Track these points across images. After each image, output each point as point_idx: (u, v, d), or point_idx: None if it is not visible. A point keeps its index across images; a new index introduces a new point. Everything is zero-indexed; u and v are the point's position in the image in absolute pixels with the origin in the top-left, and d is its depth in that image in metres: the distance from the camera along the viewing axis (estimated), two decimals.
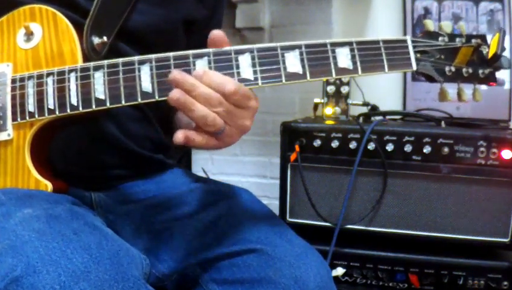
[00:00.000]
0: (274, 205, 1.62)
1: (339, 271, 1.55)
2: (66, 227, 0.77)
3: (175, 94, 0.81)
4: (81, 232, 0.77)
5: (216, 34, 0.85)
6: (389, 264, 1.53)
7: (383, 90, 2.11)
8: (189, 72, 0.83)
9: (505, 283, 1.46)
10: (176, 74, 0.81)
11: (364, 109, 1.84)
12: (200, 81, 0.81)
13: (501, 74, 1.93)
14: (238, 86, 0.82)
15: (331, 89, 1.76)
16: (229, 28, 2.29)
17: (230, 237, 0.97)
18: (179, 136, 0.82)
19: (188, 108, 0.81)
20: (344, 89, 1.75)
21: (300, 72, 0.86)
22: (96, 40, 0.94)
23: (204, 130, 0.83)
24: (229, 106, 0.82)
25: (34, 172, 0.91)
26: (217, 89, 0.81)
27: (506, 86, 2.01)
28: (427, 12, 2.13)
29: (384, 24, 2.20)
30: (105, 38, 0.95)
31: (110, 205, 1.05)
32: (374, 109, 1.84)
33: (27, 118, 0.90)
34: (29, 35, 0.93)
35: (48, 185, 0.91)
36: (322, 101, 1.77)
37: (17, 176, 0.91)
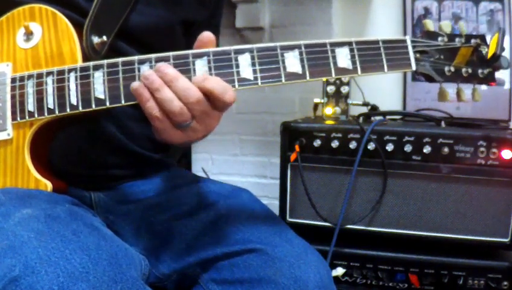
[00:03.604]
0: (274, 205, 1.62)
1: (339, 271, 1.55)
2: (65, 228, 0.77)
3: (147, 71, 0.81)
4: (80, 233, 0.77)
5: (206, 35, 0.85)
6: (389, 264, 1.53)
7: (383, 90, 2.11)
8: (188, 71, 0.83)
9: (505, 283, 1.46)
10: (161, 64, 0.81)
11: (364, 109, 1.84)
12: (199, 86, 0.81)
13: (501, 74, 1.94)
14: (234, 95, 0.82)
15: (331, 89, 1.76)
16: (229, 28, 2.29)
17: (230, 237, 0.97)
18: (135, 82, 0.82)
19: (155, 88, 0.80)
20: (344, 89, 1.75)
21: (300, 72, 0.86)
22: (95, 39, 0.94)
23: (170, 120, 0.82)
24: (208, 107, 0.82)
25: (34, 171, 0.91)
26: (220, 95, 0.81)
27: (506, 86, 2.01)
28: (427, 12, 2.12)
29: (384, 24, 2.20)
30: (104, 38, 0.95)
31: (109, 205, 1.05)
32: (374, 109, 1.84)
33: (27, 117, 0.90)
34: (28, 34, 0.93)
35: (47, 185, 0.91)
36: (322, 101, 1.77)
37: (16, 176, 0.91)
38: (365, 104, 1.84)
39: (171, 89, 0.80)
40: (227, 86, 0.82)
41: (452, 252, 1.51)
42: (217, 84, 0.81)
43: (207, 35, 0.85)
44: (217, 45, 0.88)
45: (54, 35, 0.92)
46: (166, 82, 0.80)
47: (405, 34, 2.14)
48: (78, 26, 0.93)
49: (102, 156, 1.02)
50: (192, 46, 0.87)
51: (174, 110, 0.80)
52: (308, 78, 0.86)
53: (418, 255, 1.52)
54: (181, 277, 1.00)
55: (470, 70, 0.92)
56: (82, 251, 0.73)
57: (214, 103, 0.82)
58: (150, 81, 0.80)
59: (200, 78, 0.81)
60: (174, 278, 1.01)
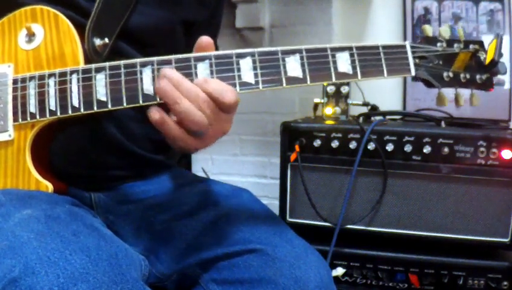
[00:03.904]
0: (274, 205, 1.62)
1: (339, 271, 1.55)
2: (65, 228, 0.77)
3: (162, 83, 0.80)
4: (80, 234, 0.77)
5: (204, 40, 0.85)
6: (389, 264, 1.53)
7: (383, 90, 2.11)
8: (190, 75, 0.84)
9: (505, 283, 1.46)
10: (166, 69, 0.81)
11: (364, 109, 1.84)
12: (201, 88, 0.81)
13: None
14: (237, 97, 0.82)
15: (331, 89, 1.76)
16: (229, 28, 2.29)
17: (230, 237, 0.97)
18: (155, 112, 0.80)
19: (174, 100, 0.79)
20: (344, 89, 1.75)
21: (301, 76, 0.86)
22: (97, 41, 0.94)
23: (186, 129, 0.82)
24: (215, 109, 0.82)
25: (35, 173, 0.91)
26: (218, 97, 0.81)
27: (506, 86, 2.01)
28: (427, 12, 2.12)
29: (384, 24, 2.20)
30: (106, 40, 0.95)
31: (110, 205, 1.05)
32: (374, 109, 1.84)
33: (28, 118, 0.90)
34: (30, 36, 0.93)
35: (48, 186, 0.91)
36: (322, 101, 1.77)
37: (17, 177, 0.92)
38: (365, 104, 1.84)
39: (182, 93, 0.80)
40: (226, 87, 0.82)
41: (452, 252, 1.51)
42: (215, 86, 0.81)
43: (206, 39, 0.85)
44: (216, 45, 0.88)
45: (56, 36, 0.92)
46: (174, 86, 0.80)
47: (405, 34, 2.14)
48: (79, 28, 0.93)
49: (102, 156, 1.03)
50: (193, 46, 0.87)
51: (194, 119, 0.80)
52: (308, 82, 0.86)
53: (418, 255, 1.52)
54: (181, 277, 1.00)
55: (468, 76, 0.93)
56: (82, 252, 0.73)
57: (216, 104, 0.82)
58: (170, 95, 0.80)
59: (201, 81, 0.81)
60: (174, 278, 1.01)
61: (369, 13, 2.22)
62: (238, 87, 0.85)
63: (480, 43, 0.93)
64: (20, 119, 0.90)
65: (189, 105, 0.80)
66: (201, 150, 0.89)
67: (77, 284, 0.68)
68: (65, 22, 0.93)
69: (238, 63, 0.85)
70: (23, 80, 0.91)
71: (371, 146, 1.52)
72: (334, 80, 0.87)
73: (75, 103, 0.87)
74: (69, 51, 0.92)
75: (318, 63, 0.87)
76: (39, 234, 0.74)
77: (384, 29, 2.18)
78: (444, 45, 0.92)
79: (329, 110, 1.76)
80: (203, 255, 0.97)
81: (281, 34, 2.25)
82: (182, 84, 0.80)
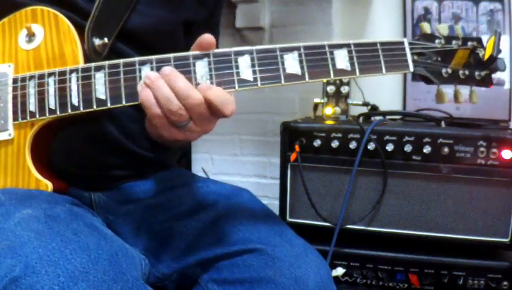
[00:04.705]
0: (274, 205, 1.62)
1: (339, 271, 1.55)
2: (65, 227, 0.77)
3: (149, 72, 0.81)
4: (80, 233, 0.77)
5: (206, 39, 0.85)
6: (389, 264, 1.53)
7: (383, 90, 2.11)
8: (189, 72, 0.84)
9: (505, 283, 1.46)
10: (164, 68, 0.82)
11: (364, 109, 1.85)
12: (203, 93, 0.81)
13: (501, 74, 1.94)
14: (233, 109, 0.83)
15: (331, 89, 1.76)
16: (229, 28, 2.29)
17: (230, 237, 0.97)
18: (142, 83, 0.82)
19: (156, 86, 0.81)
20: (344, 89, 1.75)
21: (299, 73, 0.86)
22: (97, 41, 0.95)
23: (167, 118, 0.82)
24: (207, 112, 0.82)
25: (35, 172, 0.91)
26: (219, 106, 0.81)
27: (506, 86, 2.01)
28: (427, 12, 2.13)
29: (384, 24, 2.20)
30: (106, 40, 0.96)
31: (109, 205, 1.05)
32: (374, 109, 1.84)
33: (28, 117, 0.90)
34: (30, 36, 0.93)
35: (48, 185, 0.91)
36: (322, 101, 1.77)
37: (17, 176, 0.92)
38: (365, 104, 1.84)
39: (172, 89, 0.81)
40: (228, 99, 0.82)
41: (452, 252, 1.51)
42: (217, 96, 0.81)
43: (207, 38, 0.85)
44: (217, 46, 0.88)
45: (56, 36, 0.92)
46: (167, 81, 0.81)
47: (405, 34, 2.15)
48: (79, 28, 0.93)
49: (102, 156, 1.03)
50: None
51: (171, 109, 0.80)
52: (307, 79, 0.86)
53: (418, 255, 1.52)
54: (181, 277, 1.00)
55: (467, 73, 0.93)
56: (82, 251, 0.73)
57: (213, 111, 0.82)
58: (152, 80, 0.81)
59: (204, 87, 0.82)
60: (174, 278, 1.01)
61: (369, 13, 2.22)
62: (236, 85, 0.85)
63: (479, 40, 0.93)
64: (20, 119, 0.91)
65: (169, 93, 0.80)
66: (182, 143, 0.91)
67: (78, 283, 0.68)
68: (65, 22, 0.93)
69: (236, 61, 0.85)
70: (23, 80, 0.91)
71: (371, 146, 1.52)
72: (332, 76, 0.87)
73: (75, 102, 0.87)
74: (69, 51, 0.92)
75: (316, 60, 0.87)
76: (39, 233, 0.74)
77: (384, 29, 2.18)
78: (442, 41, 0.92)
79: (329, 110, 1.76)
80: (203, 255, 0.97)
81: (281, 34, 2.25)
82: (175, 80, 0.81)
